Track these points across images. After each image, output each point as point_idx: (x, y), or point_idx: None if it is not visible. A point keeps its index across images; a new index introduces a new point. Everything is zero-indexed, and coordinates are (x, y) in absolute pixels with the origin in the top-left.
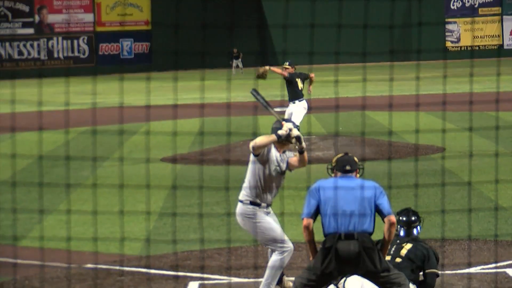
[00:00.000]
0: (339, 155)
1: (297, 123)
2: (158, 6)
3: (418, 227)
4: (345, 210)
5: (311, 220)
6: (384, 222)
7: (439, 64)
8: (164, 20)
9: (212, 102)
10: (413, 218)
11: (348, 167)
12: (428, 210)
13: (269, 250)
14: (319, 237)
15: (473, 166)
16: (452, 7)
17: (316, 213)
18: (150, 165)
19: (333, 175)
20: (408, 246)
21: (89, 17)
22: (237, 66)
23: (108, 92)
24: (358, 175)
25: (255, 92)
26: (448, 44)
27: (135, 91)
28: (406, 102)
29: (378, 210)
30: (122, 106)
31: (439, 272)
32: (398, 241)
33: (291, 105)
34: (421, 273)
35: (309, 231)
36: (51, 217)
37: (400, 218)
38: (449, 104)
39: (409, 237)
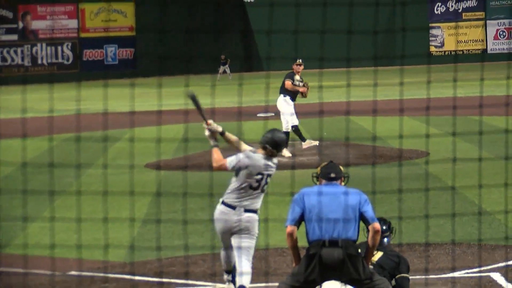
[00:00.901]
0: (324, 163)
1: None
2: (143, 12)
3: (389, 237)
4: (329, 217)
5: (295, 227)
6: (368, 229)
7: (423, 68)
8: (148, 26)
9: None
10: (384, 228)
11: (332, 175)
12: (412, 214)
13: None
14: (303, 243)
15: (457, 171)
16: (436, 11)
17: (300, 220)
18: (135, 171)
19: (318, 183)
20: (379, 254)
21: (73, 23)
22: (224, 72)
23: (92, 98)
24: (343, 183)
25: (191, 96)
26: (432, 48)
27: (119, 97)
28: (390, 107)
29: (362, 218)
30: (106, 112)
31: (410, 277)
32: None
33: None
34: (393, 280)
35: (292, 238)
36: (35, 224)
37: None
38: (433, 109)
39: (379, 245)
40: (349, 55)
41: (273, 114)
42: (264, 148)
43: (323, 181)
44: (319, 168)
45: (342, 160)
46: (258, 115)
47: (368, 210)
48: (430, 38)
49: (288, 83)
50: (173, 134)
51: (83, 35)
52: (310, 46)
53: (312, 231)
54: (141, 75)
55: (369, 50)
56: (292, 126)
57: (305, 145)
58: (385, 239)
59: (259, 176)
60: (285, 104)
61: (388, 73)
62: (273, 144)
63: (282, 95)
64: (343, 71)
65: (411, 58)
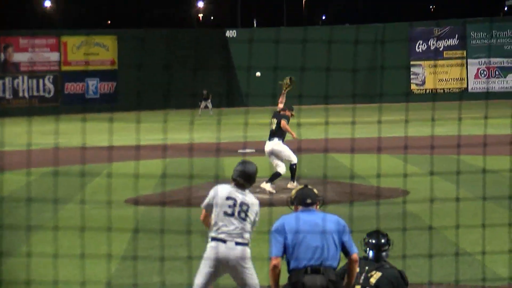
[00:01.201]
0: (299, 188)
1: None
2: (124, 46)
3: (388, 251)
4: (310, 244)
5: (280, 259)
6: (347, 259)
7: (403, 106)
8: (130, 59)
9: (176, 143)
10: (383, 241)
11: (309, 200)
12: (391, 254)
13: None
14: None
15: (436, 210)
16: (417, 49)
17: (284, 249)
18: (114, 206)
19: (293, 207)
20: (377, 275)
21: (55, 56)
22: (206, 107)
23: (72, 132)
24: (318, 207)
25: None
26: (413, 86)
27: (99, 131)
28: (369, 144)
29: (342, 247)
30: (85, 146)
31: None
32: (366, 267)
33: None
34: None
35: (278, 270)
36: (11, 259)
37: (370, 240)
38: (413, 148)
39: (378, 261)
40: (328, 93)
41: (254, 151)
42: (234, 180)
43: (300, 207)
44: (294, 192)
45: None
46: (239, 151)
47: (348, 240)
48: (411, 76)
49: (285, 123)
50: (152, 169)
51: (64, 68)
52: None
53: (294, 259)
54: (122, 109)
55: (348, 88)
56: (294, 164)
57: (290, 185)
58: (384, 253)
59: (231, 201)
60: (281, 144)
61: (369, 111)
62: (243, 176)
63: (277, 139)
64: (321, 108)
65: (392, 96)
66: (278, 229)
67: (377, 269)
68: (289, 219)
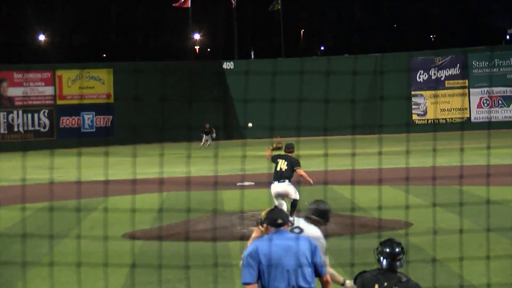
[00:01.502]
0: (268, 209)
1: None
2: (120, 79)
3: (402, 260)
4: (283, 266)
5: (255, 285)
6: (320, 281)
7: (404, 137)
8: (126, 93)
9: (173, 177)
10: (397, 250)
11: (280, 221)
12: None
13: None
14: None
15: (440, 242)
16: (418, 79)
17: (259, 275)
18: (111, 241)
19: (263, 229)
20: None
21: (49, 90)
22: (207, 141)
23: (68, 166)
24: (288, 228)
25: None
26: (415, 117)
27: (95, 165)
28: (371, 175)
29: (314, 269)
30: (81, 181)
31: None
32: (385, 283)
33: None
34: None
35: None
36: None
37: (384, 249)
38: (414, 179)
39: (393, 270)
40: (327, 124)
41: (253, 184)
42: (308, 218)
43: (271, 229)
44: (264, 214)
45: (322, 230)
46: (237, 184)
47: (318, 261)
48: (413, 106)
49: (302, 171)
50: (150, 203)
51: (60, 102)
52: (287, 114)
53: (268, 283)
54: (118, 143)
55: (348, 119)
56: (296, 200)
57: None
58: (398, 263)
59: None
60: (292, 186)
61: (369, 142)
62: (317, 213)
63: (287, 181)
64: (320, 139)
65: (392, 127)
66: (251, 253)
67: (396, 285)
68: (261, 242)
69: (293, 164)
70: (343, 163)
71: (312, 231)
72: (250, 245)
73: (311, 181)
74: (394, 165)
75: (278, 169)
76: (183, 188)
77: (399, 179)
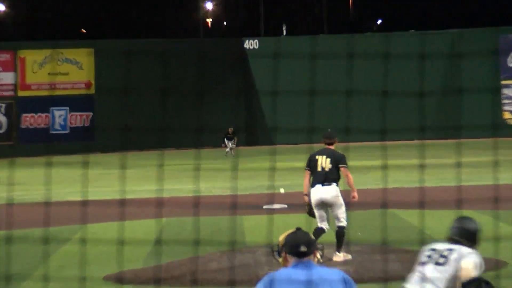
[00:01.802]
0: (289, 232)
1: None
2: (104, 63)
3: None
4: None
5: None
6: None
7: (491, 143)
8: (112, 82)
9: (176, 196)
10: None
11: (303, 248)
12: None
13: None
14: None
15: None
16: (510, 65)
17: None
18: (89, 286)
19: (280, 259)
20: None
21: (8, 77)
22: (231, 149)
23: (32, 181)
24: (316, 259)
25: None
26: (506, 115)
27: (69, 181)
28: (446, 196)
29: None
30: (50, 201)
31: None
32: None
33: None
34: None
35: None
36: None
37: None
38: (507, 201)
39: None
40: (385, 126)
41: (286, 206)
42: (450, 240)
43: (292, 259)
44: (282, 239)
45: (381, 271)
46: (264, 207)
47: None
48: (503, 101)
49: (349, 173)
50: (143, 233)
51: (22, 93)
52: (332, 111)
53: None
54: (101, 150)
55: (414, 118)
56: (344, 227)
57: (337, 257)
58: None
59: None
60: (340, 196)
61: (443, 149)
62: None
63: (335, 184)
64: (377, 145)
65: (475, 129)
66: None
67: None
68: (279, 278)
69: (338, 160)
70: (409, 178)
71: (464, 249)
72: (264, 279)
73: (355, 195)
74: (478, 182)
75: (319, 168)
76: (190, 213)
77: (486, 201)
